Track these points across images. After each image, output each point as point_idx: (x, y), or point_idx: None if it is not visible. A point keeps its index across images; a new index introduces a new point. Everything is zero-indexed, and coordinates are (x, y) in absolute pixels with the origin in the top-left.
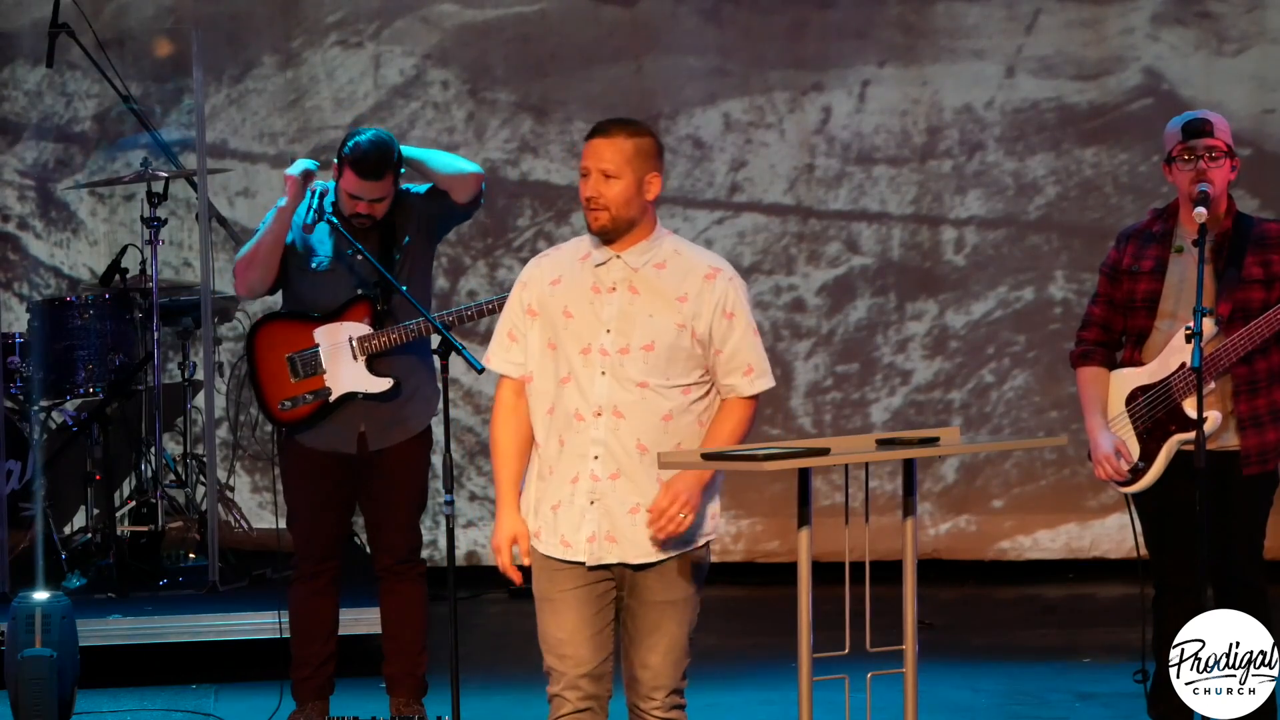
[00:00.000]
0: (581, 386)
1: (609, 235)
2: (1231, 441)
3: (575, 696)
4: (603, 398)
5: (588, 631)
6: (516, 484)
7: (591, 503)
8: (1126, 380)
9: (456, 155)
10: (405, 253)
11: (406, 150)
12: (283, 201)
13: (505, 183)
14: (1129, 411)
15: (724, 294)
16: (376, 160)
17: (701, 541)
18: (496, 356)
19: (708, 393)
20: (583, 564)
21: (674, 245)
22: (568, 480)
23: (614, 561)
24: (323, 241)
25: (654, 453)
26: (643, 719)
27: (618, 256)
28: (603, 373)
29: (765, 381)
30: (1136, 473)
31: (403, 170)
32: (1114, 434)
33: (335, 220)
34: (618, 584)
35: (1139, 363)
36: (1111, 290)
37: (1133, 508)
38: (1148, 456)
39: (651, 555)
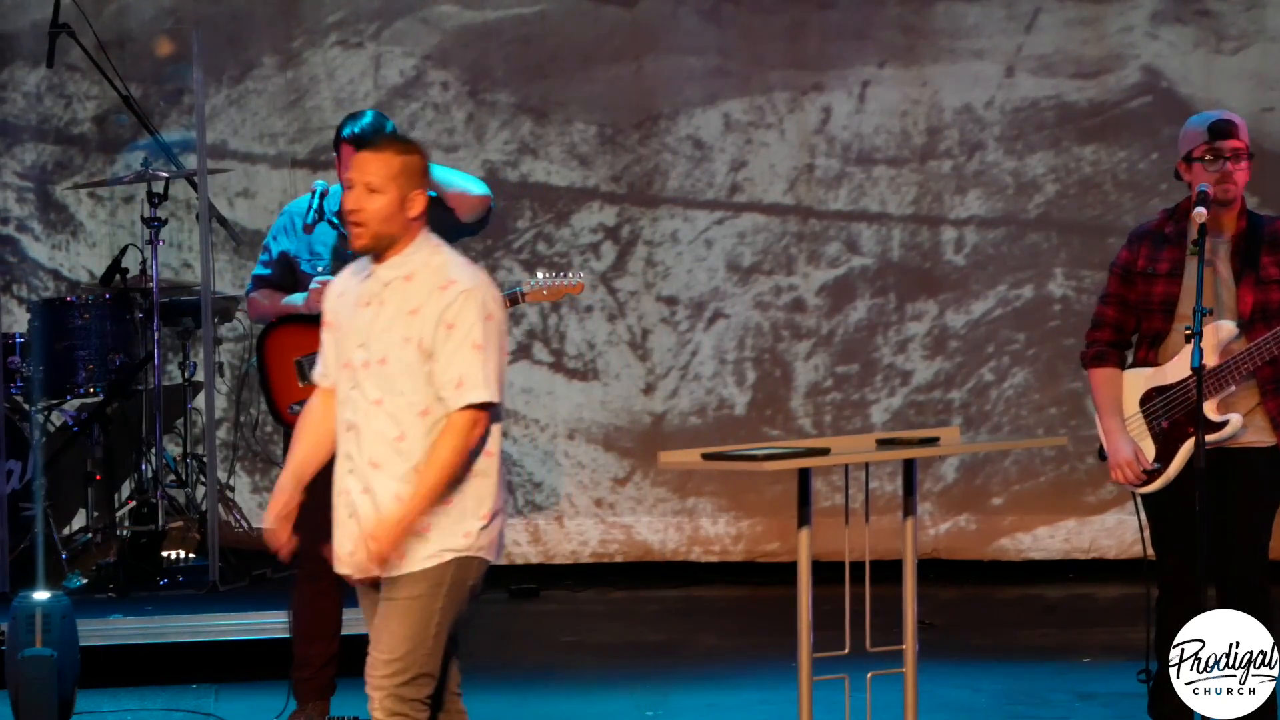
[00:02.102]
0: (341, 400)
1: (369, 251)
2: (1251, 439)
3: None
4: (350, 413)
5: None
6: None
7: (349, 516)
8: (1141, 381)
9: (469, 175)
10: None
11: None
12: (300, 300)
13: (505, 184)
14: (1144, 412)
15: (449, 305)
16: (372, 131)
17: (434, 563)
18: (315, 369)
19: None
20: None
21: (428, 257)
22: (337, 493)
23: (360, 577)
24: (325, 244)
25: (387, 470)
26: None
27: (375, 271)
28: (352, 387)
29: (477, 394)
30: (1152, 474)
31: None
32: (1131, 438)
33: (335, 221)
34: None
35: (1154, 364)
36: (1124, 291)
37: (1140, 507)
38: (1164, 457)
39: (390, 572)
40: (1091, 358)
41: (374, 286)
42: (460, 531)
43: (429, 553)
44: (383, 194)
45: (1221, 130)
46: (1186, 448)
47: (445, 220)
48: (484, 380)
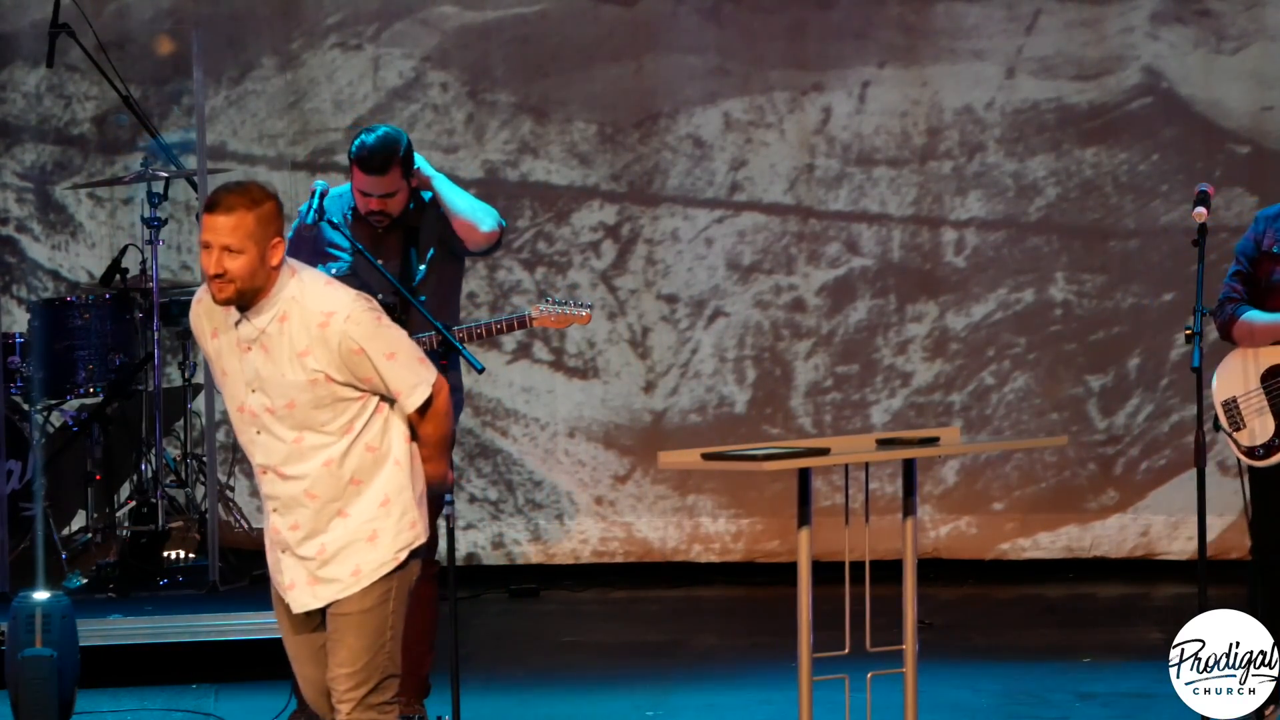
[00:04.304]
0: (244, 444)
1: (234, 304)
2: None
3: (324, 713)
4: (262, 457)
5: (313, 657)
6: None
7: (283, 551)
8: (1265, 358)
9: (483, 205)
10: (430, 265)
11: (438, 180)
12: None
13: (505, 184)
14: (1265, 388)
15: (342, 336)
16: (381, 155)
17: (388, 569)
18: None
19: (373, 415)
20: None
21: (294, 292)
22: (267, 526)
23: (316, 607)
24: (341, 245)
25: (325, 499)
26: None
27: (246, 318)
28: (258, 432)
29: (419, 396)
30: (1270, 449)
31: (415, 166)
32: None
33: (334, 220)
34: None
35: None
36: (1251, 269)
37: (1246, 484)
38: None
39: (348, 591)
40: (1228, 320)
41: (249, 331)
42: (406, 524)
43: (383, 559)
44: (243, 253)
45: None
46: None
47: (455, 243)
48: (413, 380)
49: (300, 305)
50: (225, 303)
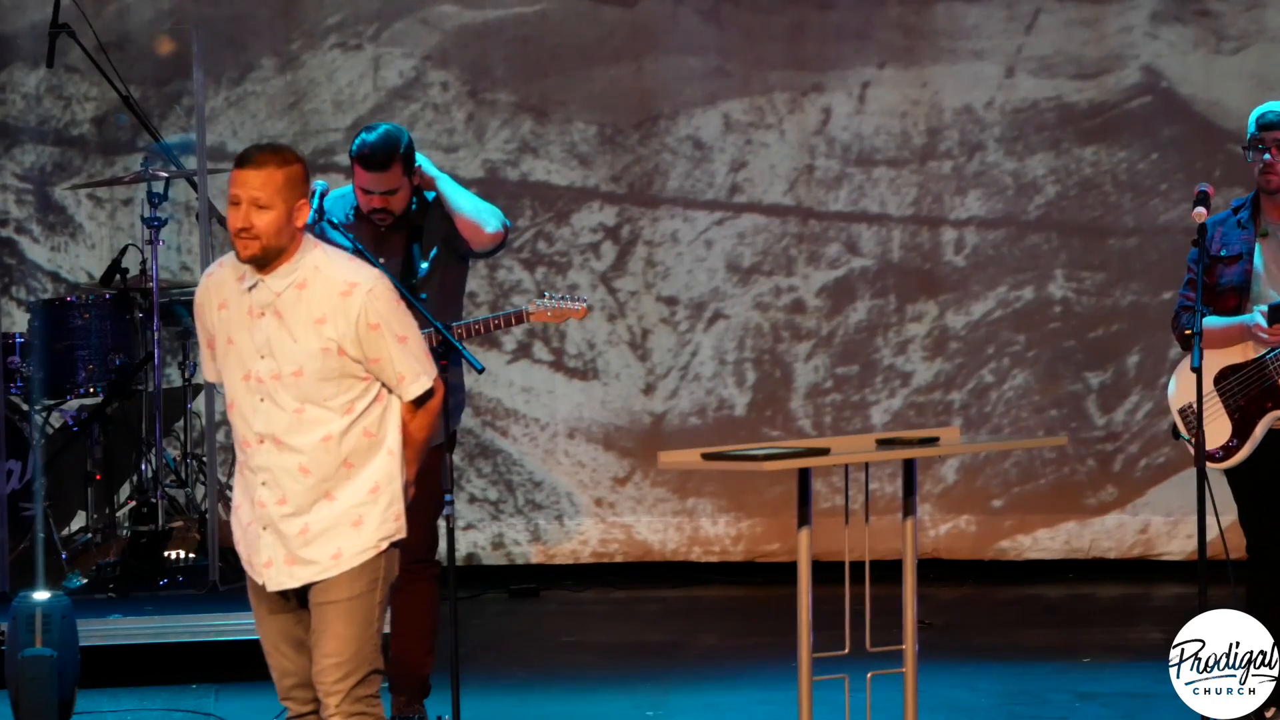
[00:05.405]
0: (244, 413)
1: (259, 263)
2: None
3: (293, 706)
4: (263, 424)
5: (288, 644)
6: None
7: (264, 528)
8: (1215, 360)
9: (487, 205)
10: (433, 264)
11: (442, 180)
12: None
13: (505, 183)
14: (1219, 390)
15: (362, 308)
16: (382, 151)
17: (370, 555)
18: (207, 367)
19: (374, 401)
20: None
21: (316, 260)
22: (247, 504)
23: (293, 586)
24: (343, 245)
25: (318, 477)
26: None
27: (263, 280)
28: (261, 399)
29: (420, 385)
30: (1229, 450)
31: (417, 165)
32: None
33: (335, 220)
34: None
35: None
36: (1204, 275)
37: (1210, 485)
38: (1240, 434)
39: (326, 574)
40: (1185, 326)
41: (264, 296)
42: (392, 515)
43: (365, 545)
44: (270, 209)
45: (1268, 122)
46: (1264, 423)
47: (459, 243)
48: (419, 369)
49: (322, 274)
50: (249, 260)
